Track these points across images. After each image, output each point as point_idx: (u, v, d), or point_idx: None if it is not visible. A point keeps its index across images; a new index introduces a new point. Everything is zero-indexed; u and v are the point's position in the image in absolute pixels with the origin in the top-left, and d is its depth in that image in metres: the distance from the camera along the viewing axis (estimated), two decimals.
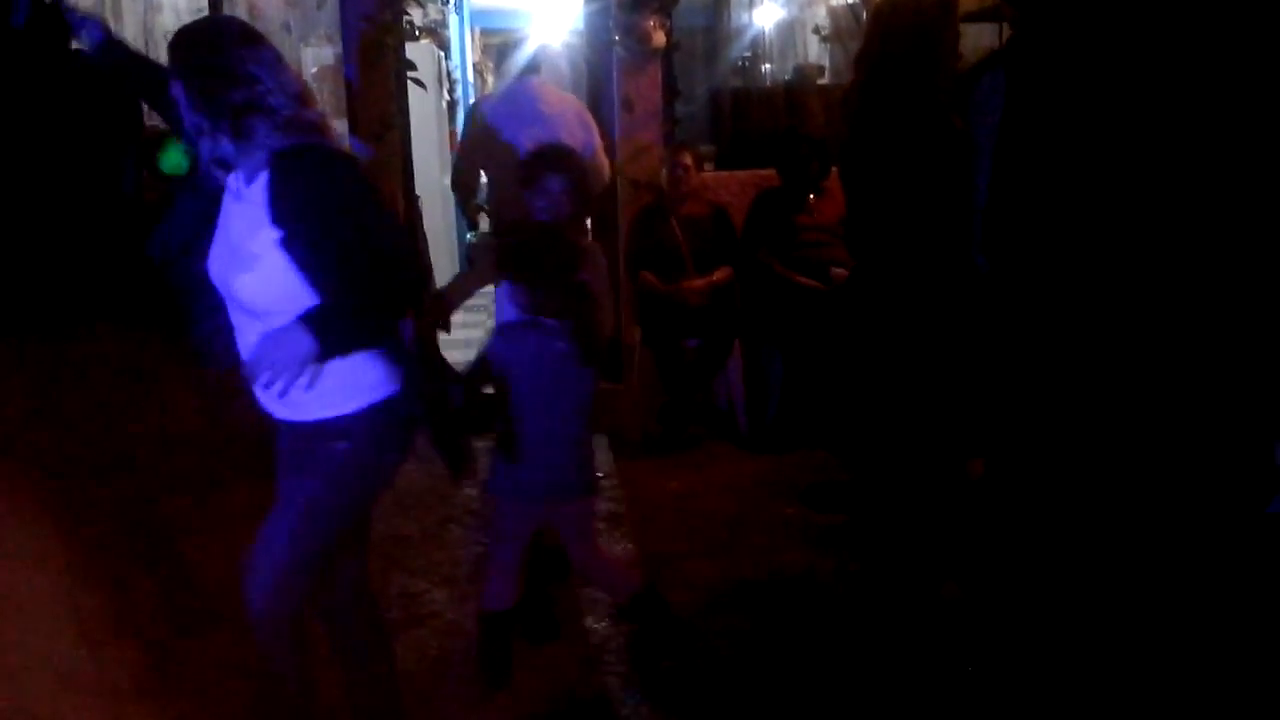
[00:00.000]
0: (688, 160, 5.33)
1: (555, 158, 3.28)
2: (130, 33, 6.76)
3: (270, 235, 2.14)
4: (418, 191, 5.83)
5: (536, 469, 2.90)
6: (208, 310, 2.45)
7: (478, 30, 11.07)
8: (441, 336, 4.92)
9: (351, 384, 2.25)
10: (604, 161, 4.94)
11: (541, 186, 3.20)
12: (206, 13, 6.22)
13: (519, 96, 4.80)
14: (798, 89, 6.44)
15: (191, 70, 2.17)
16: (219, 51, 2.16)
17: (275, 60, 2.20)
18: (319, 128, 2.22)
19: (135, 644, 2.24)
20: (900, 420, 2.99)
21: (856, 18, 6.44)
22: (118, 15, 6.77)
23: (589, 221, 5.59)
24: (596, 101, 5.98)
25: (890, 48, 2.98)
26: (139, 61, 2.75)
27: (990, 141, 2.23)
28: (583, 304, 2.84)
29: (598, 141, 4.88)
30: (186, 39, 2.23)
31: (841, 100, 4.09)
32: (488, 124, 4.78)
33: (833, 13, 6.60)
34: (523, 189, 3.24)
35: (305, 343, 2.07)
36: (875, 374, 3.05)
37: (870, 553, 3.65)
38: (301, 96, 2.20)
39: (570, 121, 4.73)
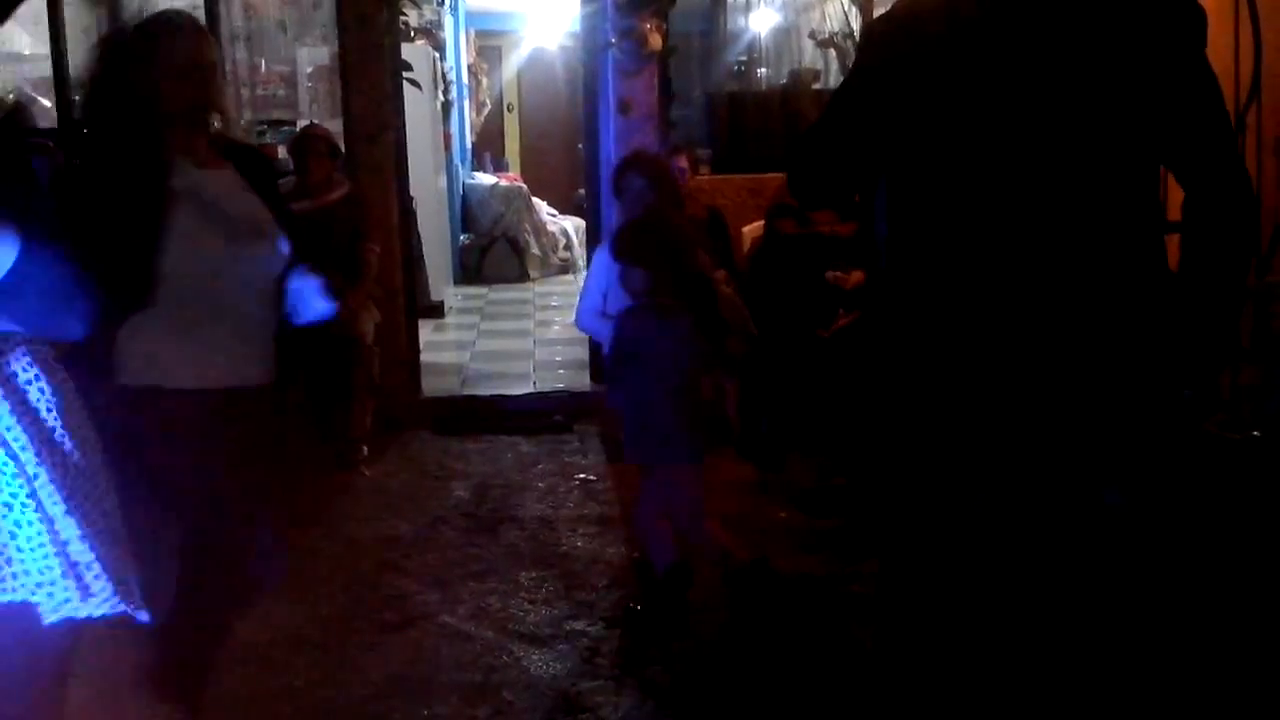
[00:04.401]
0: (684, 163, 5.34)
1: (634, 162, 3.81)
2: None
3: None
4: (413, 193, 5.82)
5: (653, 436, 3.26)
6: None
7: (473, 32, 11.06)
8: (437, 337, 4.87)
9: None
10: None
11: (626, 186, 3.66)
12: (203, 11, 6.21)
13: None
14: (793, 93, 6.46)
15: None
16: None
17: None
18: None
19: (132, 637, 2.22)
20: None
21: (851, 24, 6.48)
22: (115, 14, 6.75)
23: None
24: (592, 104, 5.99)
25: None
26: None
27: None
28: (700, 284, 3.24)
29: None
30: None
31: None
32: None
33: (828, 18, 6.62)
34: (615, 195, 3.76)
35: None
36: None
37: (865, 558, 3.66)
38: None
39: None
